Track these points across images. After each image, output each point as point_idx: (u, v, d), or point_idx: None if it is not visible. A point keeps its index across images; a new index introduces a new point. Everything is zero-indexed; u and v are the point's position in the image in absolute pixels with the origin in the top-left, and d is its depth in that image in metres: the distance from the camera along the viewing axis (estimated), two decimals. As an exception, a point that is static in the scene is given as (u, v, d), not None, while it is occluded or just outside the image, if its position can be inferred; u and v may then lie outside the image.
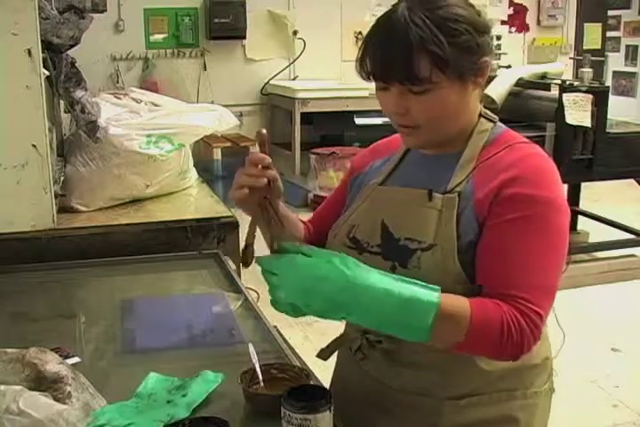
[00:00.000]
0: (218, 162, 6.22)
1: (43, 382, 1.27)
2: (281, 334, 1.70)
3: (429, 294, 1.10)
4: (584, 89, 4.29)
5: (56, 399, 1.23)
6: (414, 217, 1.27)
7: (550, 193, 1.20)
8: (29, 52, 2.08)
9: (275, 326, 1.73)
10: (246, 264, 1.30)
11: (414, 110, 1.22)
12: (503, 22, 7.51)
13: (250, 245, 1.29)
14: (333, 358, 1.49)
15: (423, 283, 1.12)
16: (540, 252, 1.18)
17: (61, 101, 2.49)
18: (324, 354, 1.48)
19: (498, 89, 4.66)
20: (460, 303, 1.12)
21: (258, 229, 1.33)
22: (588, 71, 4.42)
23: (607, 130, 4.40)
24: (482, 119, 1.31)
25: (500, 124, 1.33)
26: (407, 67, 1.16)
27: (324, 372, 1.51)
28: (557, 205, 1.21)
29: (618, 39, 9.09)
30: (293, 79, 6.95)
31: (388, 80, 1.21)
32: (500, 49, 7.01)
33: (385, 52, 1.19)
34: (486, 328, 1.12)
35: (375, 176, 1.40)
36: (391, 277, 1.12)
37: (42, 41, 2.13)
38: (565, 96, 4.25)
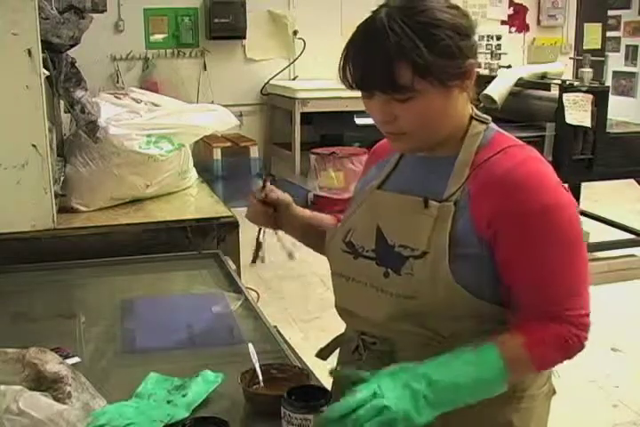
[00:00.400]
0: (218, 162, 6.22)
1: (43, 382, 1.27)
2: (281, 334, 1.70)
3: (494, 365, 1.15)
4: (584, 89, 4.28)
5: (56, 399, 1.23)
6: (409, 224, 1.26)
7: (552, 198, 1.20)
8: (29, 52, 2.08)
9: (275, 326, 1.73)
10: (255, 261, 1.40)
11: (400, 118, 1.21)
12: (503, 22, 7.50)
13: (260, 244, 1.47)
14: (334, 358, 1.49)
15: (480, 349, 1.16)
16: (566, 258, 1.21)
17: (61, 101, 2.49)
18: (323, 353, 1.48)
19: (498, 89, 4.66)
20: (516, 349, 1.18)
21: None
22: (587, 71, 4.42)
23: (607, 130, 4.39)
24: (474, 122, 1.29)
25: (492, 125, 1.31)
26: (388, 76, 1.16)
27: (324, 372, 1.50)
28: (560, 205, 1.21)
29: (618, 39, 9.08)
30: (293, 79, 6.95)
31: (370, 89, 1.20)
32: (500, 49, 7.02)
33: (365, 62, 1.18)
34: (547, 356, 1.21)
35: (374, 178, 1.40)
36: (450, 367, 1.14)
37: (42, 41, 2.13)
38: (565, 96, 4.25)
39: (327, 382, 1.49)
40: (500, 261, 1.22)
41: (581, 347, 1.22)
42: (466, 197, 1.23)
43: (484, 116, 1.31)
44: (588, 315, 1.22)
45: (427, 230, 1.23)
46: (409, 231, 1.26)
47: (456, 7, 1.22)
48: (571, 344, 1.20)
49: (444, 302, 1.22)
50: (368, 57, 1.18)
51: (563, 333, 1.19)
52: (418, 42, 1.14)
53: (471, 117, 1.29)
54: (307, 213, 1.54)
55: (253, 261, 1.55)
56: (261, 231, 1.54)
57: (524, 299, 1.22)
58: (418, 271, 1.22)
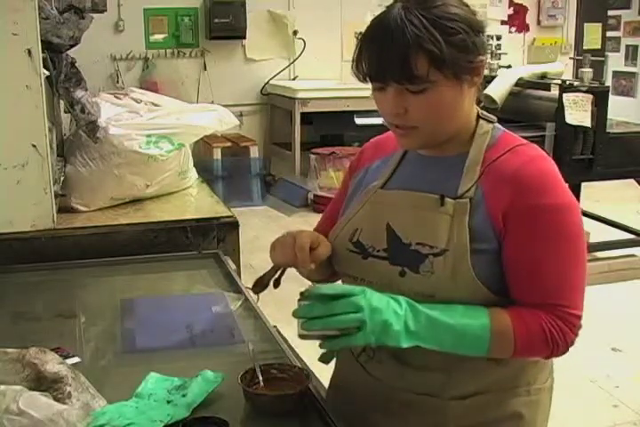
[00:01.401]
0: (218, 162, 6.22)
1: (43, 382, 1.27)
2: (281, 334, 1.70)
3: (480, 320, 1.19)
4: (584, 89, 4.28)
5: (56, 399, 1.23)
6: (425, 222, 1.27)
7: (558, 197, 1.23)
8: (29, 52, 2.08)
9: (275, 326, 1.73)
10: (258, 292, 1.39)
11: (412, 110, 1.21)
12: (503, 22, 7.50)
13: (266, 278, 1.36)
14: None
15: (470, 307, 1.20)
16: (566, 257, 1.22)
17: (61, 101, 2.49)
18: (325, 357, 1.47)
19: (498, 89, 4.66)
20: (504, 324, 1.20)
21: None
22: (588, 71, 4.42)
23: (607, 130, 4.39)
24: (481, 121, 1.31)
25: (497, 125, 1.33)
26: (404, 66, 1.16)
27: (323, 372, 1.51)
28: (567, 206, 1.24)
29: (618, 39, 9.08)
30: (293, 79, 6.94)
31: (385, 80, 1.20)
32: (500, 49, 7.01)
33: (381, 52, 1.19)
34: (531, 341, 1.21)
35: (375, 178, 1.39)
36: (437, 308, 1.19)
37: (42, 41, 2.13)
38: (565, 96, 4.25)
39: (326, 380, 1.49)
40: (505, 253, 1.23)
41: (566, 346, 1.22)
42: (480, 194, 1.25)
43: (490, 115, 1.33)
44: (579, 317, 1.23)
45: (445, 228, 1.24)
46: (426, 229, 1.26)
47: (467, 5, 1.24)
48: (555, 338, 1.20)
49: (461, 299, 1.22)
50: (385, 47, 1.18)
51: (549, 324, 1.20)
52: (435, 33, 1.16)
53: (478, 117, 1.31)
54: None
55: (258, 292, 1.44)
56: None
57: (520, 291, 1.23)
58: (438, 269, 1.23)
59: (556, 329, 1.20)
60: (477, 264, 1.22)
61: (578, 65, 5.85)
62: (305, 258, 1.30)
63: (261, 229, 5.44)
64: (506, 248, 1.23)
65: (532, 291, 1.22)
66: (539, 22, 7.67)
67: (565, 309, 1.21)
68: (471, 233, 1.23)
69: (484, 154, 1.27)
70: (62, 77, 2.35)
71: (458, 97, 1.23)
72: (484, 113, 1.32)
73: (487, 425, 1.32)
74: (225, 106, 2.84)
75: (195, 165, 2.83)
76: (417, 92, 1.19)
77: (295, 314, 1.17)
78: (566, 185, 1.27)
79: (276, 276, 1.37)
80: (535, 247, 1.22)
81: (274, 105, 6.86)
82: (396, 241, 1.29)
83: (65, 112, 2.56)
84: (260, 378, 1.35)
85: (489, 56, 5.77)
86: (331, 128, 6.66)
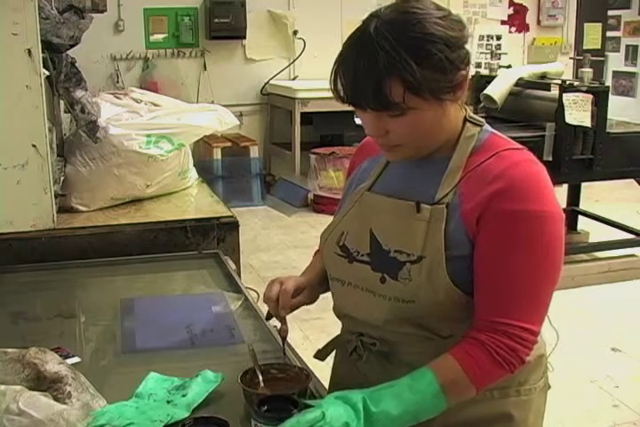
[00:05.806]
0: (218, 162, 6.22)
1: (43, 382, 1.27)
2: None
3: (430, 389, 1.15)
4: (584, 89, 4.28)
5: (56, 399, 1.23)
6: (402, 229, 1.25)
7: (539, 205, 1.18)
8: (29, 52, 2.08)
9: (275, 326, 1.73)
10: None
11: (393, 131, 1.20)
12: (503, 22, 7.51)
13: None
14: (332, 357, 1.49)
15: (416, 377, 1.16)
16: (528, 270, 1.18)
17: (61, 101, 2.49)
18: (320, 354, 1.48)
19: (498, 89, 4.65)
20: (452, 370, 1.17)
21: None
22: (587, 71, 4.42)
23: (607, 130, 4.39)
24: (468, 124, 1.28)
25: (486, 127, 1.29)
26: (378, 94, 1.14)
27: (323, 372, 1.51)
28: (548, 216, 1.18)
29: (618, 39, 9.07)
30: (293, 79, 6.95)
31: (361, 106, 1.19)
32: (500, 49, 7.02)
33: (355, 79, 1.16)
34: (484, 371, 1.18)
35: (364, 179, 1.38)
36: (386, 398, 1.15)
37: (42, 41, 2.13)
38: (565, 96, 4.25)
39: (326, 382, 1.49)
40: (475, 259, 1.20)
41: (521, 361, 1.18)
42: (457, 200, 1.22)
43: (478, 118, 1.30)
44: (531, 331, 1.18)
45: (421, 235, 1.22)
46: (403, 236, 1.25)
47: (447, 16, 1.18)
48: (506, 357, 1.17)
49: (442, 304, 1.21)
50: (358, 74, 1.15)
51: (494, 346, 1.17)
52: (408, 59, 1.12)
53: (465, 120, 1.28)
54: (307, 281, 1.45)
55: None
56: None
57: (477, 304, 1.21)
58: (415, 276, 1.22)
59: (503, 349, 1.17)
60: (454, 270, 1.20)
61: (578, 65, 5.85)
62: (286, 303, 1.38)
63: (261, 229, 5.44)
64: (476, 251, 1.20)
65: (484, 305, 1.19)
66: (539, 22, 7.67)
67: (514, 325, 1.17)
68: (447, 239, 1.20)
69: (469, 158, 1.24)
70: (62, 77, 2.35)
71: (439, 115, 1.20)
72: (473, 116, 1.29)
73: (476, 424, 1.31)
74: (225, 106, 2.84)
75: (195, 165, 2.83)
76: (395, 115, 1.17)
77: None
78: (553, 192, 1.22)
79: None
80: (501, 255, 1.18)
81: (274, 105, 6.86)
82: (378, 247, 1.28)
83: (65, 112, 2.56)
84: (260, 378, 1.35)
85: (489, 56, 5.78)
86: (331, 128, 6.66)
